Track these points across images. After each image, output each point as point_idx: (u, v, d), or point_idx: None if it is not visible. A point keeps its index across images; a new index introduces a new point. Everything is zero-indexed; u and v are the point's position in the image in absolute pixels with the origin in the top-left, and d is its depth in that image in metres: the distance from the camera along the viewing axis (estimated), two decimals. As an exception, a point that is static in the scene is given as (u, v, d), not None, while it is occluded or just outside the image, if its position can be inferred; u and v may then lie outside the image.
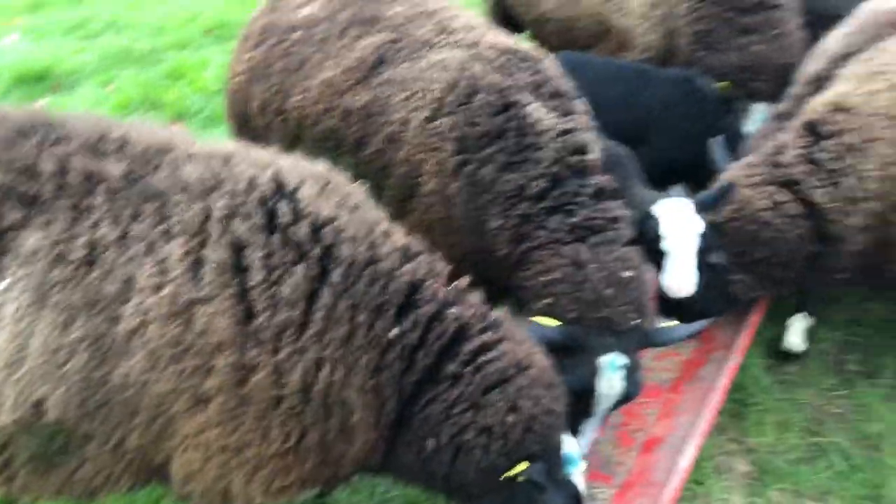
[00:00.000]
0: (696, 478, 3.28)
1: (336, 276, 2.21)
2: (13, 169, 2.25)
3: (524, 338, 2.44)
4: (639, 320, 2.89)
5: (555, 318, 2.83)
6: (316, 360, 2.19)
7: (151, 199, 2.23)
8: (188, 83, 6.65)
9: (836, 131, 3.19)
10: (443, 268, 2.46)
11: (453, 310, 2.36)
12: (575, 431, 2.81)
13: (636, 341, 2.87)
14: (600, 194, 3.03)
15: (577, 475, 2.40)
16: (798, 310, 3.84)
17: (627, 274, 2.92)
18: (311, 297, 2.20)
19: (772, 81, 4.08)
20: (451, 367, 2.30)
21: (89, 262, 2.17)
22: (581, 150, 3.05)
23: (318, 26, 3.42)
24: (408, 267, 2.34)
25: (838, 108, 3.21)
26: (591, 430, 2.91)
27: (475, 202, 3.00)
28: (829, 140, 3.19)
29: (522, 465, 2.26)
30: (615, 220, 3.02)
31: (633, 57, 4.73)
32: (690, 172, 3.88)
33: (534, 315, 2.87)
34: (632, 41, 4.75)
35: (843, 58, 3.45)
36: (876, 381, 3.72)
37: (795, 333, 3.84)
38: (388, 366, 2.27)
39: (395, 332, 2.26)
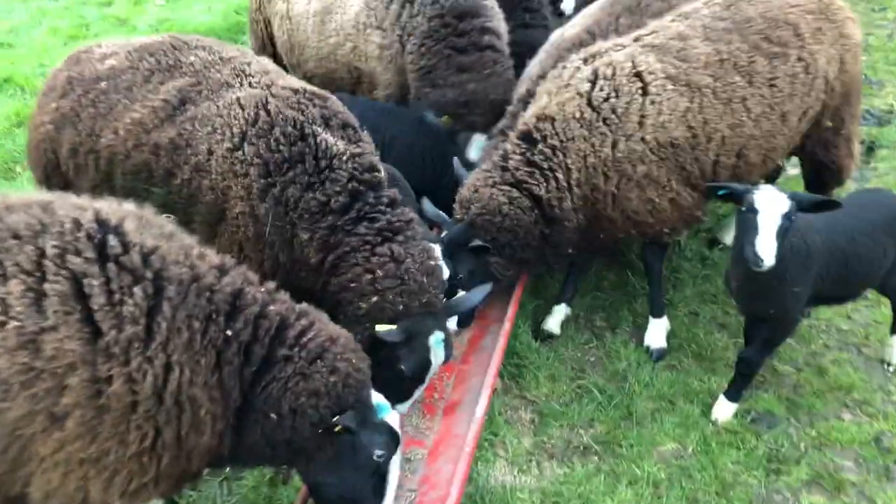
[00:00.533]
0: (492, 430, 3.90)
1: (171, 292, 2.52)
2: None
3: (327, 318, 2.91)
4: (444, 298, 3.52)
5: (382, 311, 3.35)
6: (164, 365, 2.47)
7: None
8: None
9: (542, 137, 3.93)
10: (255, 277, 2.87)
11: (272, 307, 2.77)
12: (409, 396, 3.42)
13: (446, 316, 3.49)
14: (393, 203, 3.59)
15: (392, 418, 2.90)
16: (558, 301, 4.62)
17: (432, 263, 3.54)
18: (151, 312, 2.48)
19: (485, 115, 4.75)
20: (282, 351, 2.71)
21: None
22: (371, 168, 3.58)
23: (123, 76, 3.72)
24: (226, 279, 2.71)
25: (541, 118, 3.96)
26: (418, 392, 3.51)
27: (283, 220, 3.41)
28: (539, 145, 3.93)
29: (336, 418, 2.73)
30: (410, 221, 3.59)
31: (380, 94, 5.37)
32: (430, 190, 4.46)
33: (362, 315, 3.36)
34: (376, 81, 5.40)
35: (540, 77, 4.25)
36: (617, 331, 4.56)
37: (555, 320, 4.57)
38: (229, 362, 2.62)
39: (229, 332, 2.66)
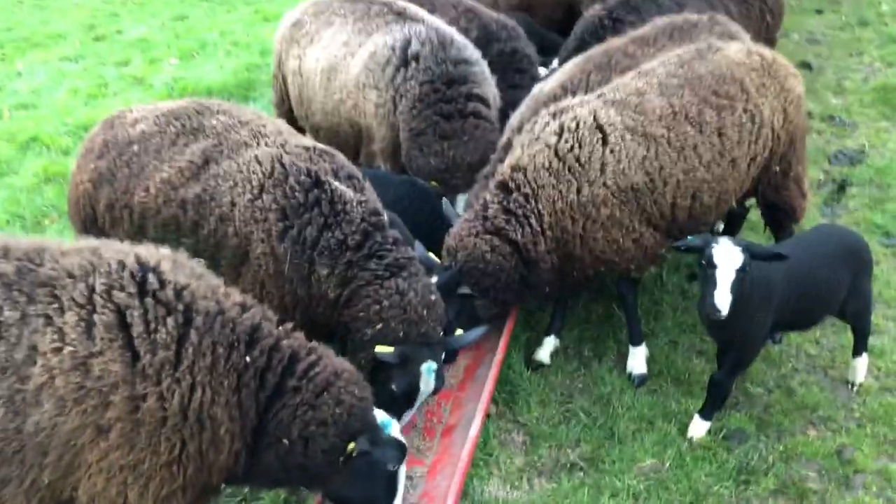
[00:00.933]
0: (487, 451, 4.28)
1: (198, 322, 2.96)
2: None
3: (333, 354, 3.34)
4: (442, 332, 3.95)
5: (385, 337, 3.79)
6: (190, 385, 2.89)
7: (42, 286, 2.86)
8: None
9: (516, 186, 4.37)
10: (272, 315, 3.31)
11: (286, 341, 3.21)
12: (399, 417, 3.78)
13: (441, 348, 3.91)
14: (397, 242, 4.07)
15: (395, 431, 3.30)
16: (548, 333, 5.02)
17: (433, 297, 4.00)
18: (180, 339, 2.91)
19: (464, 177, 5.19)
20: (292, 382, 3.13)
21: None
22: (376, 212, 4.08)
23: (153, 139, 4.21)
24: (247, 315, 3.16)
25: (514, 169, 4.41)
26: (409, 415, 3.93)
27: (301, 258, 3.88)
28: (514, 193, 4.37)
29: (352, 445, 3.14)
30: (412, 259, 4.07)
31: (376, 147, 5.85)
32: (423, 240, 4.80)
33: (367, 340, 3.80)
34: (373, 136, 5.86)
35: (518, 129, 4.71)
36: (603, 360, 4.94)
37: (545, 351, 4.96)
38: (246, 385, 3.04)
39: (247, 359, 3.08)
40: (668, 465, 4.11)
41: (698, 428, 4.26)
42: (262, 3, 14.76)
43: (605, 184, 4.25)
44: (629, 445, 4.24)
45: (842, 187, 6.70)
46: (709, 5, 6.49)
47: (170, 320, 2.89)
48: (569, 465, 4.19)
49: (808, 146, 7.26)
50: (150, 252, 3.15)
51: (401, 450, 3.28)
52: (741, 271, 3.66)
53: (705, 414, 4.26)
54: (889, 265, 5.63)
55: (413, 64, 5.53)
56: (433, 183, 5.31)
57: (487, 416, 4.45)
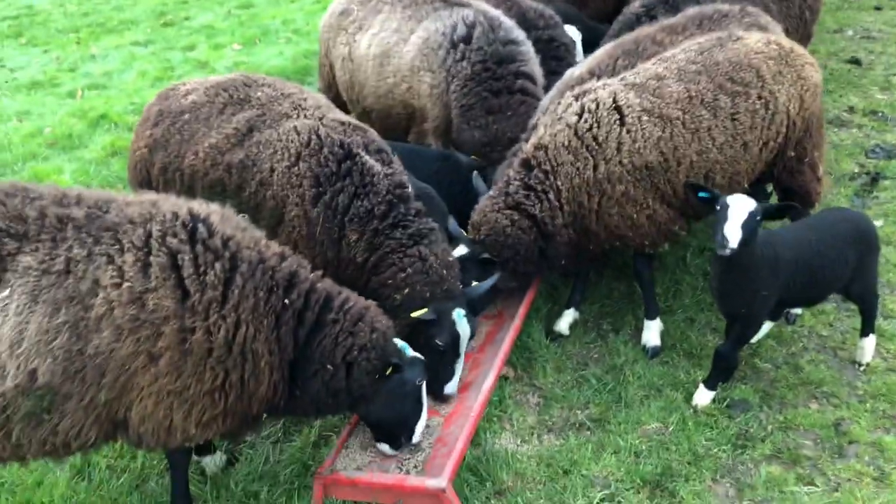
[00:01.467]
0: (501, 409, 4.58)
1: (243, 268, 3.35)
2: (7, 217, 3.23)
3: (357, 295, 3.73)
4: (461, 286, 4.34)
5: (413, 300, 4.18)
6: (234, 322, 3.28)
7: (107, 229, 3.26)
8: (52, 186, 7.50)
9: (537, 164, 4.65)
10: (307, 263, 3.70)
11: (320, 284, 3.61)
12: (452, 370, 4.26)
13: (463, 299, 4.29)
14: (419, 213, 4.44)
15: (412, 351, 3.78)
16: (568, 306, 5.29)
17: (451, 259, 4.40)
18: (227, 282, 3.30)
19: (504, 151, 5.38)
20: (331, 316, 3.54)
21: (67, 271, 3.15)
22: (402, 185, 4.44)
23: (202, 108, 4.65)
24: (285, 263, 3.55)
25: (537, 147, 4.68)
26: (460, 364, 4.33)
27: (332, 222, 4.25)
28: (534, 170, 4.65)
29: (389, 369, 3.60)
30: (433, 229, 4.44)
31: (429, 126, 6.19)
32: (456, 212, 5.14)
33: (398, 305, 4.18)
34: (426, 115, 6.22)
35: (545, 112, 4.97)
36: (620, 333, 5.18)
37: (565, 322, 5.24)
38: (285, 323, 3.43)
39: (286, 301, 3.45)
40: (671, 428, 4.35)
41: (703, 396, 4.48)
42: (324, -7, 15.22)
43: (620, 162, 4.50)
44: (636, 409, 4.49)
45: (875, 179, 6.80)
46: (750, 1, 6.64)
47: (217, 265, 3.29)
48: (577, 425, 4.46)
49: (848, 140, 7.46)
50: (202, 206, 3.54)
51: (422, 365, 3.77)
52: (752, 215, 3.85)
53: (710, 384, 4.48)
54: (910, 255, 5.74)
55: (463, 46, 5.88)
56: (474, 157, 5.63)
57: (504, 377, 4.76)
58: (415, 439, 3.99)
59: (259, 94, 4.69)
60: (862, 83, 8.88)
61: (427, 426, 4.17)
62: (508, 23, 6.15)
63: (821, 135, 5.13)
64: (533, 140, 4.79)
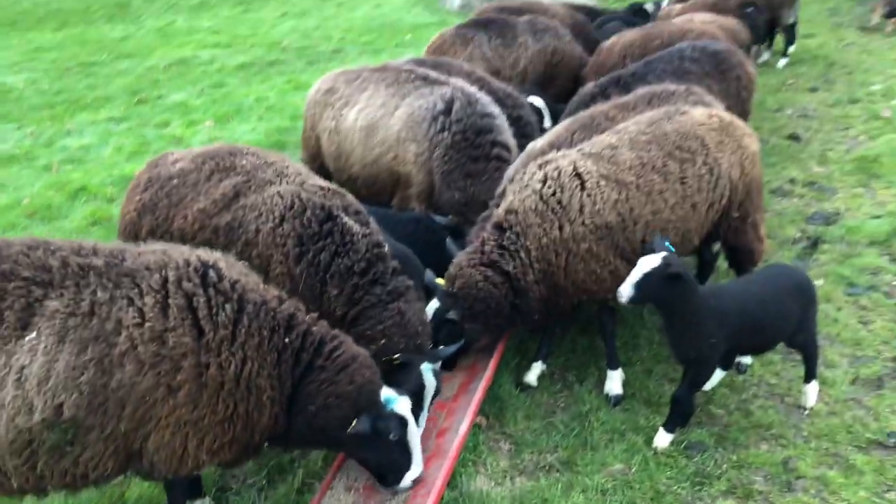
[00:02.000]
0: (476, 454, 4.88)
1: (249, 309, 3.71)
2: (32, 267, 3.52)
3: (351, 341, 4.05)
4: (431, 345, 4.66)
5: (388, 351, 4.48)
6: (242, 359, 3.62)
7: (126, 275, 3.59)
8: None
9: (509, 226, 5.08)
10: (303, 307, 4.05)
11: (315, 328, 3.95)
12: (416, 419, 4.39)
13: (433, 357, 4.60)
14: (396, 271, 4.79)
15: (400, 406, 4.00)
16: (536, 359, 5.65)
17: (425, 318, 4.76)
18: (235, 321, 3.64)
19: (479, 213, 5.75)
20: (319, 361, 3.86)
21: (91, 313, 3.45)
22: (379, 245, 4.81)
23: (190, 175, 5.00)
24: (285, 305, 3.91)
25: (508, 212, 5.12)
26: (423, 418, 4.56)
27: (314, 278, 4.59)
28: (507, 232, 5.07)
29: (354, 422, 3.85)
30: (409, 287, 4.79)
31: (413, 191, 6.62)
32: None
33: (374, 355, 4.35)
34: (410, 182, 6.66)
35: (511, 180, 5.41)
36: (584, 384, 5.53)
37: (533, 374, 5.60)
38: (285, 361, 3.77)
39: (286, 340, 3.79)
40: (634, 469, 4.67)
41: (662, 439, 4.82)
42: (294, 74, 15.79)
43: (583, 223, 4.93)
44: (601, 452, 4.82)
45: (815, 244, 7.30)
46: (694, 83, 7.26)
47: (228, 306, 3.64)
48: (547, 467, 4.77)
49: (790, 208, 8.01)
50: (208, 253, 3.92)
51: (401, 421, 4.00)
52: (649, 276, 4.32)
53: (668, 427, 4.83)
54: (850, 310, 6.21)
55: (443, 118, 6.41)
56: (451, 217, 6.07)
57: (477, 425, 5.07)
58: (402, 484, 4.22)
59: (244, 161, 5.09)
60: (801, 157, 9.54)
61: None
62: (484, 98, 6.72)
63: (760, 198, 5.61)
64: (504, 205, 5.23)
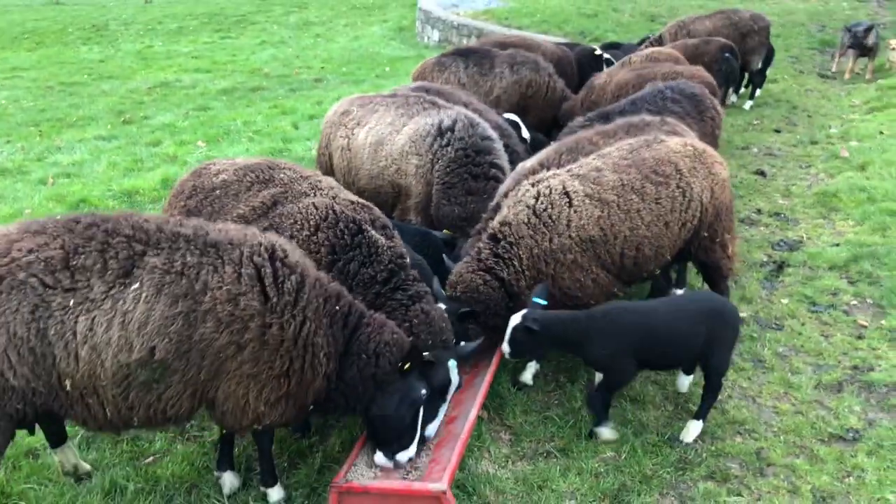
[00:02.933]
0: (480, 441, 5.34)
1: (310, 280, 4.29)
2: (132, 227, 4.03)
3: (384, 319, 4.62)
4: (453, 341, 5.11)
5: (416, 346, 4.76)
6: (301, 320, 4.15)
7: (212, 246, 4.11)
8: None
9: (503, 237, 5.64)
10: (345, 289, 4.61)
11: (355, 305, 4.51)
12: (436, 414, 4.89)
13: (454, 353, 5.05)
14: (416, 279, 5.25)
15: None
16: (530, 360, 6.14)
17: (446, 317, 5.19)
18: (298, 290, 4.18)
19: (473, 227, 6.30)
20: (364, 320, 4.51)
21: (182, 273, 3.95)
22: (402, 256, 5.27)
23: (231, 186, 5.47)
24: (333, 284, 4.49)
25: (503, 224, 5.68)
26: (444, 408, 4.99)
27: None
28: (501, 242, 5.63)
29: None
30: (427, 292, 5.25)
31: (411, 202, 7.12)
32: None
33: None
34: (410, 193, 7.18)
35: (505, 195, 5.98)
36: (576, 383, 6.03)
37: (528, 374, 6.09)
38: (336, 323, 4.34)
39: (337, 307, 4.38)
40: (623, 456, 5.16)
41: (603, 433, 5.30)
42: (278, 100, 16.25)
43: (570, 236, 5.51)
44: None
45: (780, 267, 7.97)
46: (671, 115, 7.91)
47: (293, 277, 4.20)
48: (545, 454, 5.24)
49: (757, 235, 8.66)
50: (275, 237, 4.46)
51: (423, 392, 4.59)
52: (516, 329, 5.02)
53: (596, 422, 5.33)
54: (812, 325, 6.83)
55: (448, 135, 6.96)
56: (446, 231, 6.51)
57: (480, 418, 5.53)
58: (405, 454, 4.66)
59: (282, 175, 5.60)
60: (766, 191, 10.26)
61: (420, 448, 4.90)
62: (485, 123, 7.30)
63: (730, 220, 6.18)
64: (498, 218, 5.78)
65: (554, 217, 5.54)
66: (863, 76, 16.00)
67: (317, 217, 5.19)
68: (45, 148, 13.04)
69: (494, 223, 5.79)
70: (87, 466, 5.01)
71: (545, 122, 10.67)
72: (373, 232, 5.27)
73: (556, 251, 5.53)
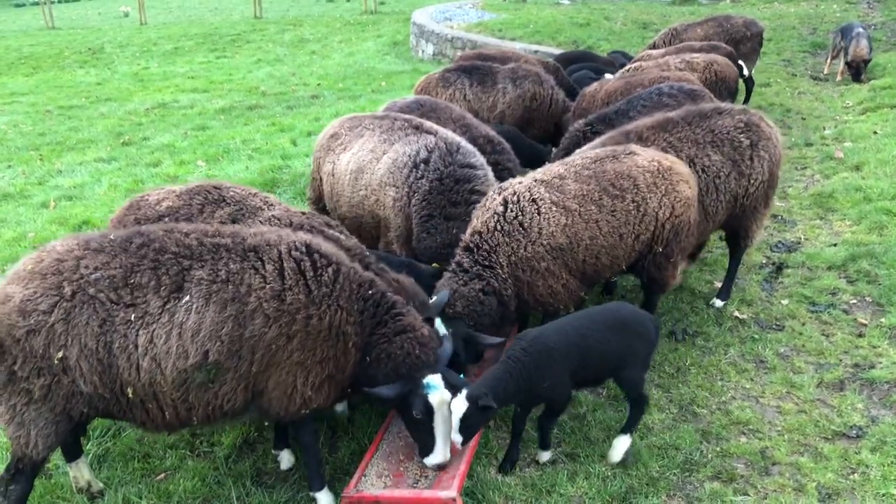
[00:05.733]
0: (488, 449, 5.39)
1: (343, 271, 4.50)
2: (177, 244, 4.31)
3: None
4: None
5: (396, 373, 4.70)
6: (335, 311, 4.34)
7: (251, 251, 4.37)
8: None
9: (475, 245, 5.75)
10: (378, 278, 4.78)
11: (390, 294, 4.67)
12: (432, 443, 4.73)
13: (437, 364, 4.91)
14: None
15: (434, 396, 4.52)
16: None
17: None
18: (334, 281, 4.38)
19: None
20: (386, 318, 4.59)
21: (227, 280, 4.23)
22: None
23: (181, 212, 5.54)
24: (366, 273, 4.66)
25: (473, 233, 5.80)
26: (444, 434, 4.75)
27: None
28: (475, 251, 5.73)
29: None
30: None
31: (392, 235, 7.06)
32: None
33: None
34: (389, 225, 7.10)
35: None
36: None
37: None
38: (366, 311, 4.49)
39: (369, 293, 4.57)
40: (630, 459, 5.22)
41: (542, 456, 5.25)
42: (276, 118, 16.34)
43: (542, 244, 5.64)
44: (600, 446, 5.36)
45: (779, 268, 8.04)
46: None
47: (329, 269, 4.45)
48: (552, 459, 5.30)
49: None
50: (308, 235, 4.70)
51: (426, 406, 4.56)
52: (465, 419, 4.56)
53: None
54: (813, 325, 6.90)
55: (423, 166, 6.80)
56: (434, 265, 6.35)
57: (487, 426, 5.59)
58: (425, 461, 4.72)
59: (231, 193, 5.77)
60: (763, 193, 10.32)
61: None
62: (468, 148, 7.07)
63: (688, 240, 6.24)
64: (469, 228, 5.92)
65: (526, 224, 5.66)
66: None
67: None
68: (46, 171, 13.12)
69: (466, 235, 5.91)
70: (100, 484, 5.09)
71: (548, 132, 10.79)
72: (333, 232, 5.48)
73: (532, 259, 5.66)
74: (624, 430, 5.22)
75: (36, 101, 20.57)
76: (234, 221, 5.41)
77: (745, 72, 13.94)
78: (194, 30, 34.39)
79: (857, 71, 15.60)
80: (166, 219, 5.46)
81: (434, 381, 4.57)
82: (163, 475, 5.25)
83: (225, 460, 5.33)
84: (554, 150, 8.71)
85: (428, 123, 7.51)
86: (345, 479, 5.03)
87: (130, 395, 4.19)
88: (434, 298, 5.73)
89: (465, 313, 5.66)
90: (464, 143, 7.19)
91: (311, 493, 4.89)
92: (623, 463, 5.18)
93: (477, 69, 10.76)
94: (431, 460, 4.75)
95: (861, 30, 15.56)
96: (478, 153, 7.17)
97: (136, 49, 30.05)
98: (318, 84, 20.41)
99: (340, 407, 5.68)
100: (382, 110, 8.79)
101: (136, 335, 4.09)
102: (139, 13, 39.51)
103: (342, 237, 5.38)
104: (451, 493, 4.41)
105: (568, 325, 5.05)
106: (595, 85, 10.14)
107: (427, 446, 4.72)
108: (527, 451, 5.41)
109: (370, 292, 4.55)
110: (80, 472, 4.99)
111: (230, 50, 28.75)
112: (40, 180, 12.65)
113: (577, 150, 6.81)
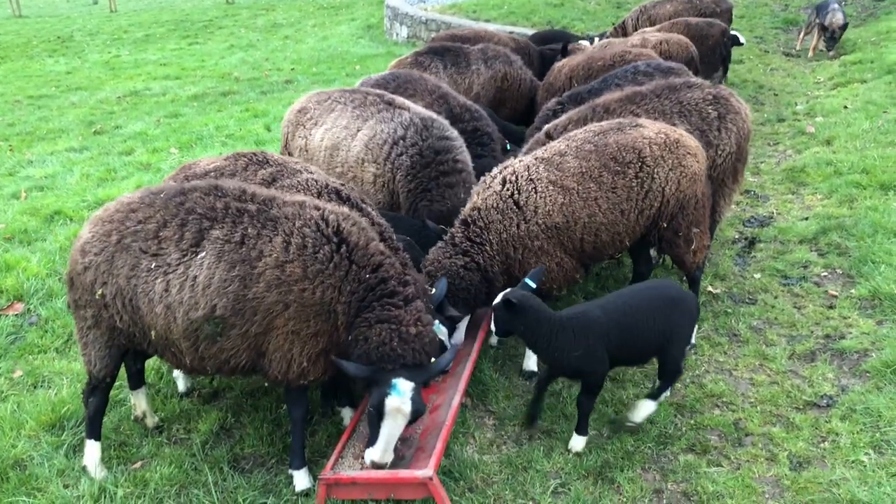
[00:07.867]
0: (465, 428, 5.42)
1: (343, 250, 4.52)
2: (205, 207, 4.59)
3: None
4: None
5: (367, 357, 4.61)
6: (329, 286, 4.41)
7: (271, 220, 4.53)
8: (22, 271, 8.03)
9: (473, 221, 5.77)
10: (395, 259, 4.79)
11: (393, 281, 4.63)
12: (376, 436, 4.57)
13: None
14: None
15: (392, 401, 4.38)
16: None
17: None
18: (329, 261, 4.45)
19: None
20: (375, 304, 4.53)
21: (242, 242, 4.44)
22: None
23: (226, 170, 5.76)
24: (375, 258, 4.63)
25: (472, 209, 5.81)
26: (388, 435, 4.54)
27: None
28: (471, 226, 5.76)
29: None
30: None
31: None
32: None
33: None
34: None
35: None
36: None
37: (532, 360, 6.10)
38: (353, 296, 4.50)
39: (366, 276, 4.55)
40: (605, 434, 5.28)
41: (577, 443, 5.17)
42: (249, 103, 16.23)
43: (536, 222, 5.63)
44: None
45: (752, 243, 8.12)
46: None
47: (325, 248, 4.50)
48: (529, 436, 5.34)
49: (728, 213, 8.77)
50: (335, 208, 4.80)
51: (378, 410, 4.43)
52: (495, 310, 4.95)
53: (581, 430, 5.17)
54: (785, 298, 6.98)
55: (401, 143, 6.88)
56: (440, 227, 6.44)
57: (464, 405, 5.62)
58: (374, 452, 4.53)
59: (272, 156, 6.01)
60: (736, 169, 10.39)
61: (406, 439, 4.98)
62: (442, 122, 7.17)
63: (701, 214, 6.09)
64: (469, 204, 5.91)
65: (521, 203, 5.66)
66: (825, 53, 16.22)
67: (317, 187, 5.57)
68: (17, 162, 12.94)
69: (466, 209, 5.92)
70: (156, 418, 5.69)
71: (519, 112, 10.80)
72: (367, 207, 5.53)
73: (524, 237, 5.66)
74: (652, 397, 5.28)
75: (4, 91, 20.27)
76: (273, 180, 5.69)
77: (742, 40, 13.95)
78: (165, 16, 34.02)
79: (833, 36, 15.67)
80: (212, 174, 5.79)
81: (403, 387, 4.39)
82: (139, 463, 5.23)
83: (202, 446, 5.32)
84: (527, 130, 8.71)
85: (400, 99, 7.54)
86: (322, 462, 5.05)
87: (153, 337, 4.64)
88: (434, 291, 5.65)
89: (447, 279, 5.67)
90: (437, 117, 7.27)
91: (290, 471, 4.91)
92: (640, 425, 5.30)
93: (448, 50, 10.73)
94: (368, 455, 4.59)
95: (836, 6, 15.68)
96: (450, 127, 7.25)
97: (107, 37, 29.69)
98: (292, 69, 20.28)
99: (348, 415, 5.52)
100: (358, 85, 8.80)
101: (155, 282, 4.50)
102: (109, 1, 38.98)
103: (374, 213, 5.42)
104: (428, 472, 4.43)
105: (610, 304, 5.10)
106: (564, 61, 10.18)
107: (372, 439, 4.57)
108: (503, 430, 5.45)
109: (368, 276, 4.54)
110: (139, 402, 5.62)
111: (202, 36, 28.47)
112: (10, 171, 12.47)
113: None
